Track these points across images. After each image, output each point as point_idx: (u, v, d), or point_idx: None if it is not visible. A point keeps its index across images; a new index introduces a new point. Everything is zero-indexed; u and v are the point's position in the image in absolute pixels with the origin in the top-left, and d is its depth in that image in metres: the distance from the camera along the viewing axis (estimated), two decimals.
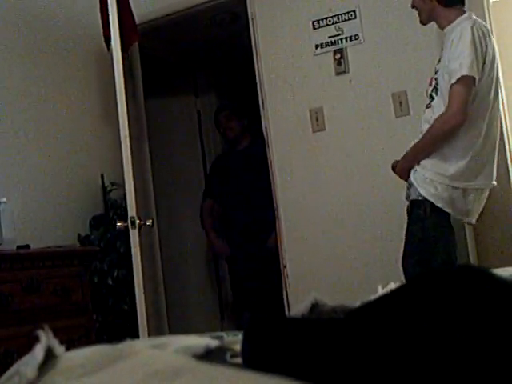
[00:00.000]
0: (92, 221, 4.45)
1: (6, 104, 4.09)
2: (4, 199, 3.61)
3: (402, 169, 3.28)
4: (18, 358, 2.81)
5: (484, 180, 3.15)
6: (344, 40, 4.19)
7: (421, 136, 3.19)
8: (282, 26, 4.41)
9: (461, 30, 3.07)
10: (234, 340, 1.11)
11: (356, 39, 4.16)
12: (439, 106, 3.13)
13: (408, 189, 3.23)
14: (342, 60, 4.18)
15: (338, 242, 4.17)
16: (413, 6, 3.37)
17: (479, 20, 3.20)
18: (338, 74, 4.21)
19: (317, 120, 4.26)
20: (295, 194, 4.34)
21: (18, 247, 3.62)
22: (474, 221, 3.22)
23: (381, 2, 4.12)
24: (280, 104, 4.41)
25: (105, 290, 4.26)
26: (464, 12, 3.20)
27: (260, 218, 4.76)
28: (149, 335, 3.55)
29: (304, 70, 4.32)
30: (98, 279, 4.21)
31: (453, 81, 2.98)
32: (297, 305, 3.68)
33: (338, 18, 4.20)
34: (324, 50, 4.25)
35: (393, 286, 1.76)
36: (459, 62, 2.99)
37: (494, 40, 3.23)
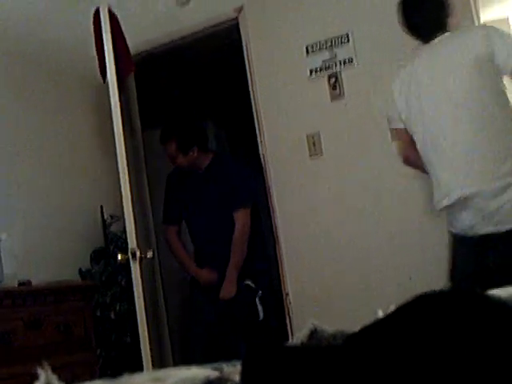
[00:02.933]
0: (93, 254, 4.43)
1: (4, 138, 4.10)
2: (4, 235, 3.61)
3: None
4: None
5: None
6: (338, 64, 4.21)
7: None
8: (276, 52, 4.44)
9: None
10: (234, 371, 1.09)
11: (350, 62, 4.18)
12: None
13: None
14: (336, 84, 4.19)
15: (339, 266, 4.15)
16: None
17: None
18: (333, 98, 4.22)
19: (314, 145, 4.26)
20: (294, 219, 4.33)
21: (19, 283, 3.61)
22: None
23: (373, 25, 4.15)
24: (276, 130, 4.42)
25: (107, 325, 4.23)
26: None
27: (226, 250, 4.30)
28: (153, 368, 3.53)
29: (299, 95, 4.34)
30: (100, 313, 4.19)
31: None
32: (299, 331, 3.63)
33: (331, 42, 4.22)
34: (318, 74, 4.26)
35: (392, 308, 1.74)
36: None
37: None
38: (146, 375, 1.09)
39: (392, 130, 3.22)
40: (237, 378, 1.04)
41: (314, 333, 1.20)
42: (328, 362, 0.93)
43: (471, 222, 2.98)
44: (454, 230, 3.09)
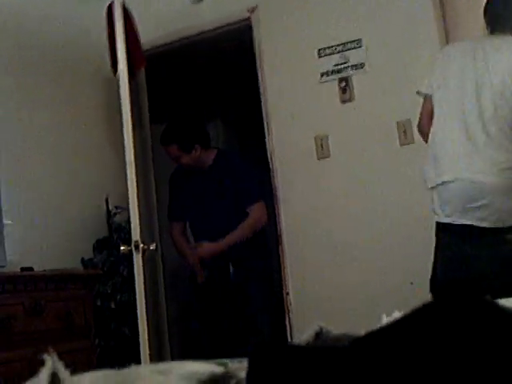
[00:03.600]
0: (96, 244, 4.45)
1: (13, 127, 4.11)
2: (9, 221, 3.62)
3: None
4: (18, 381, 2.80)
5: None
6: (349, 68, 4.22)
7: None
8: (288, 54, 4.45)
9: None
10: (239, 367, 1.10)
11: (361, 68, 4.19)
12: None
13: None
14: (347, 88, 4.20)
15: (341, 270, 4.16)
16: None
17: None
18: (343, 101, 4.23)
19: (322, 147, 4.28)
20: (298, 220, 4.34)
21: (22, 269, 3.62)
22: None
23: (386, 31, 4.16)
24: (285, 130, 4.43)
25: (107, 314, 4.25)
26: None
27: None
28: (150, 360, 3.54)
29: (309, 97, 4.35)
30: (100, 303, 4.20)
31: None
32: (299, 331, 3.69)
33: (344, 47, 4.23)
34: (329, 78, 4.27)
35: (397, 314, 1.76)
36: None
37: None
38: (151, 367, 1.10)
39: (421, 93, 3.27)
40: (242, 374, 1.05)
41: (319, 334, 1.21)
42: (333, 364, 0.93)
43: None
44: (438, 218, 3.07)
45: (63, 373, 0.97)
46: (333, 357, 0.96)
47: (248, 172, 4.44)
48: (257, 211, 4.29)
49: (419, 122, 3.34)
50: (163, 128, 4.53)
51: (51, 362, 0.97)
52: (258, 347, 1.00)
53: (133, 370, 1.04)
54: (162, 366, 1.08)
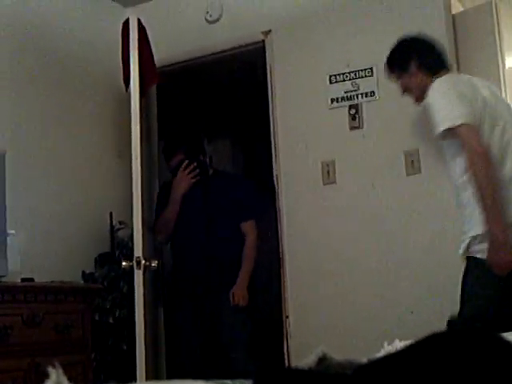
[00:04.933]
0: (97, 258, 4.45)
1: (20, 137, 4.13)
2: (12, 231, 3.62)
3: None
4: None
5: None
6: (360, 96, 4.23)
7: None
8: (299, 78, 4.47)
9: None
10: None
11: (372, 96, 4.21)
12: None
13: None
14: (356, 115, 4.22)
15: (343, 296, 4.15)
16: (404, 91, 3.42)
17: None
18: (351, 128, 4.24)
19: (328, 173, 4.28)
20: (302, 244, 4.33)
21: (23, 280, 3.62)
22: None
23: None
24: (292, 154, 4.44)
25: (105, 329, 4.23)
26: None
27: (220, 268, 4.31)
28: (146, 378, 3.52)
29: (318, 122, 4.36)
30: (99, 317, 4.19)
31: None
32: (297, 356, 3.67)
33: (355, 75, 4.25)
34: (339, 104, 4.29)
35: (398, 343, 1.76)
36: (440, 116, 3.03)
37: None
38: None
39: (461, 125, 2.97)
40: None
41: (322, 359, 1.21)
42: None
43: None
44: None
45: None
46: (336, 383, 0.96)
47: (245, 188, 4.54)
48: (251, 229, 4.37)
49: (486, 150, 2.99)
50: (162, 147, 4.62)
51: (56, 375, 0.97)
52: (263, 369, 1.01)
53: None
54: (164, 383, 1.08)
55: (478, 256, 2.96)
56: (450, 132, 2.99)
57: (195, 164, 4.39)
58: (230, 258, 4.29)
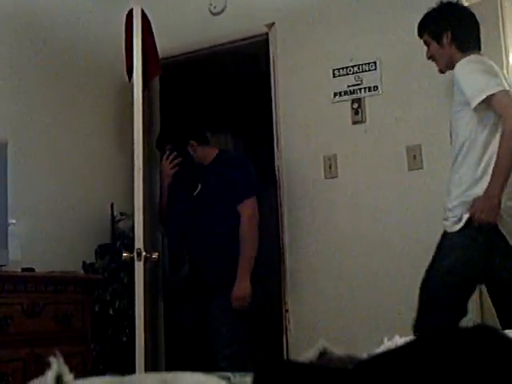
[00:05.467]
0: (98, 249, 4.44)
1: (22, 127, 4.13)
2: (13, 221, 3.62)
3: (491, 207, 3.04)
4: (13, 381, 2.79)
5: None
6: (363, 90, 4.22)
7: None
8: (303, 72, 4.46)
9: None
10: (242, 381, 1.10)
11: (375, 90, 4.20)
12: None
13: None
14: (359, 109, 4.21)
15: (343, 290, 4.15)
16: (429, 57, 3.41)
17: None
18: (354, 122, 4.24)
19: (330, 167, 4.28)
20: (302, 237, 4.33)
21: (23, 270, 3.62)
22: None
23: (401, 55, 4.17)
24: (294, 147, 4.43)
25: (105, 320, 4.24)
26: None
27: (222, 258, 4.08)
28: (146, 369, 3.53)
29: (321, 116, 4.35)
30: (99, 308, 4.19)
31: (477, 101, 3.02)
32: (296, 350, 3.66)
33: (359, 68, 4.24)
34: (342, 98, 4.28)
35: (398, 339, 1.76)
36: (476, 87, 3.06)
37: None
38: (155, 377, 1.10)
39: (495, 93, 3.02)
40: None
41: (322, 354, 1.21)
42: None
43: None
44: None
45: (68, 376, 0.97)
46: (337, 378, 0.96)
47: (240, 167, 4.19)
48: (245, 210, 4.01)
49: None
50: (157, 139, 4.50)
51: (57, 365, 0.97)
52: (263, 363, 1.00)
53: (136, 378, 1.04)
54: (165, 376, 1.08)
55: None
56: (486, 103, 3.02)
57: (175, 154, 4.24)
58: (229, 245, 4.02)
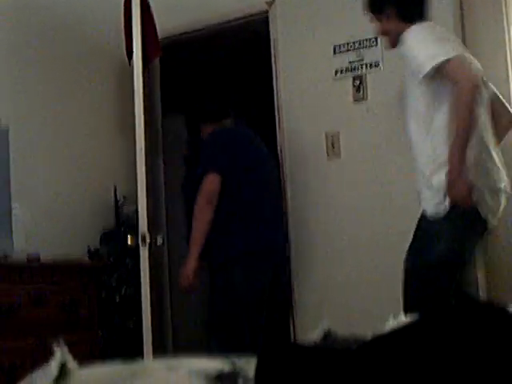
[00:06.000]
0: (103, 235, 4.44)
1: (23, 112, 4.12)
2: (16, 205, 3.61)
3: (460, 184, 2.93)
4: (21, 369, 2.81)
5: None
6: (364, 67, 4.19)
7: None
8: (303, 49, 4.43)
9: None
10: (246, 365, 1.10)
11: (376, 66, 4.17)
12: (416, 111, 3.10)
13: None
14: (361, 86, 4.18)
15: (348, 270, 4.15)
16: (382, 33, 3.36)
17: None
18: (356, 100, 4.21)
19: (332, 145, 4.26)
20: (306, 217, 4.32)
21: (28, 257, 3.62)
22: None
23: None
24: (296, 126, 4.42)
25: (112, 307, 4.24)
26: None
27: None
28: (153, 355, 3.53)
29: (322, 94, 4.33)
30: (105, 295, 4.19)
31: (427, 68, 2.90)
32: (303, 330, 3.64)
33: (360, 44, 4.20)
34: (343, 75, 4.25)
35: (403, 317, 1.75)
36: (424, 56, 2.93)
37: None
38: (160, 362, 1.10)
39: (446, 60, 2.86)
40: (249, 372, 1.04)
41: (327, 335, 1.21)
42: (341, 366, 0.93)
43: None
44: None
45: (72, 364, 0.97)
46: (340, 359, 0.96)
47: (209, 142, 3.96)
48: (203, 184, 3.70)
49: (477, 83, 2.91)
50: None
51: (60, 353, 0.97)
52: (267, 346, 1.00)
53: (141, 364, 1.04)
54: (170, 361, 1.08)
55: None
56: (437, 72, 2.89)
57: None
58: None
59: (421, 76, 2.93)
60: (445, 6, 3.94)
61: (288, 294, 4.28)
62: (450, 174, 2.90)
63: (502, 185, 3.12)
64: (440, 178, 2.99)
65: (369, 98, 4.18)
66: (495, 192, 3.08)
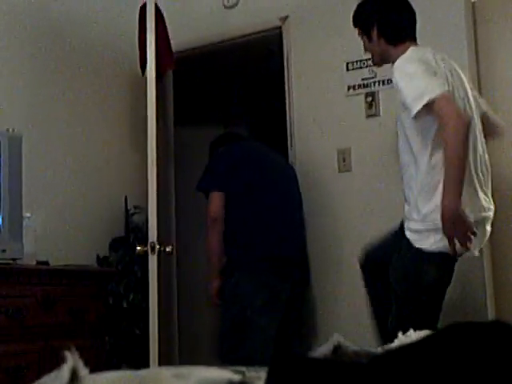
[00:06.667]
0: (112, 242, 4.46)
1: (36, 120, 4.14)
2: (28, 214, 3.64)
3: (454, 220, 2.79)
4: (28, 374, 2.81)
5: None
6: (376, 83, 4.20)
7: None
8: (316, 65, 4.44)
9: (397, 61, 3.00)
10: (256, 376, 1.10)
11: (388, 83, 4.16)
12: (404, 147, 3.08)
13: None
14: (373, 103, 4.19)
15: (358, 285, 4.13)
16: (365, 50, 3.35)
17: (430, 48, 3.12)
18: (368, 116, 4.22)
19: (344, 160, 4.26)
20: (316, 231, 4.32)
21: (38, 263, 3.64)
22: None
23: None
24: (308, 142, 4.42)
25: (119, 313, 4.25)
26: (415, 45, 3.15)
27: None
28: (159, 363, 3.54)
29: (335, 110, 4.34)
30: (112, 301, 4.21)
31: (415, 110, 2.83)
32: (314, 340, 3.62)
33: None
34: (356, 91, 4.26)
35: (413, 333, 1.75)
36: (414, 94, 2.85)
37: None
38: (169, 371, 1.10)
39: (436, 98, 2.78)
40: (258, 383, 1.05)
41: (337, 348, 1.21)
42: (353, 379, 0.93)
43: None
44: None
45: (83, 370, 0.97)
46: (351, 373, 0.96)
47: (213, 160, 4.09)
48: (208, 205, 3.87)
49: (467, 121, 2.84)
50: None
51: (72, 359, 0.97)
52: (278, 358, 1.00)
53: (151, 372, 1.04)
54: (179, 369, 1.08)
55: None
56: (426, 110, 2.81)
57: None
58: None
59: (412, 116, 2.87)
60: (457, 14, 3.97)
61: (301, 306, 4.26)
62: (447, 218, 2.77)
63: (488, 213, 3.03)
64: (429, 207, 2.91)
65: (381, 113, 4.19)
66: (480, 223, 2.97)
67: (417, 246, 2.94)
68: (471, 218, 2.86)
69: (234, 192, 3.86)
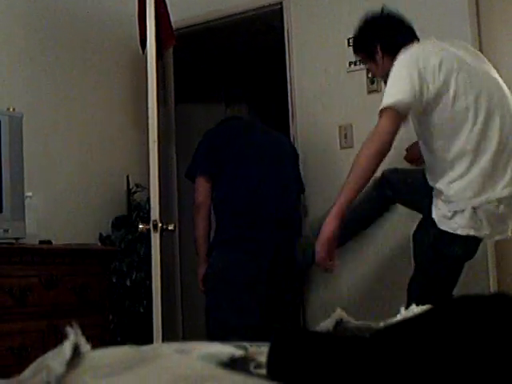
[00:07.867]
0: (114, 221, 4.46)
1: (37, 99, 4.13)
2: (30, 193, 3.64)
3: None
4: (32, 352, 2.83)
5: None
6: None
7: None
8: (317, 41, 4.42)
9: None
10: (258, 351, 1.11)
11: None
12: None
13: None
14: (374, 79, 4.17)
15: (359, 262, 4.15)
16: (373, 75, 3.52)
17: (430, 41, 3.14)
18: (369, 92, 4.20)
19: (345, 137, 4.25)
20: (318, 207, 4.31)
21: (40, 242, 3.65)
22: None
23: (417, 23, 4.10)
24: (310, 117, 4.41)
25: (122, 291, 4.27)
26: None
27: None
28: (163, 339, 3.55)
29: (336, 85, 4.32)
30: (116, 280, 4.22)
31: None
32: (314, 319, 3.65)
33: None
34: (357, 67, 4.24)
35: (415, 308, 1.75)
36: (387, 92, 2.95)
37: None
38: (171, 346, 1.11)
39: (389, 107, 2.94)
40: (261, 358, 1.05)
41: (339, 323, 1.21)
42: (353, 354, 0.93)
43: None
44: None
45: (85, 347, 0.97)
46: (353, 347, 0.96)
47: (200, 143, 4.08)
48: (195, 191, 3.96)
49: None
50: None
51: (74, 336, 0.97)
52: (280, 333, 1.00)
53: (153, 347, 1.04)
54: (182, 345, 1.08)
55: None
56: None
57: None
58: None
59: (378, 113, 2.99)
60: (460, 4, 3.93)
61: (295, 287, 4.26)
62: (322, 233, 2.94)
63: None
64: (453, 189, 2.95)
65: (382, 89, 4.16)
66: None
67: (442, 227, 2.97)
68: (505, 193, 2.88)
69: (215, 173, 3.89)
